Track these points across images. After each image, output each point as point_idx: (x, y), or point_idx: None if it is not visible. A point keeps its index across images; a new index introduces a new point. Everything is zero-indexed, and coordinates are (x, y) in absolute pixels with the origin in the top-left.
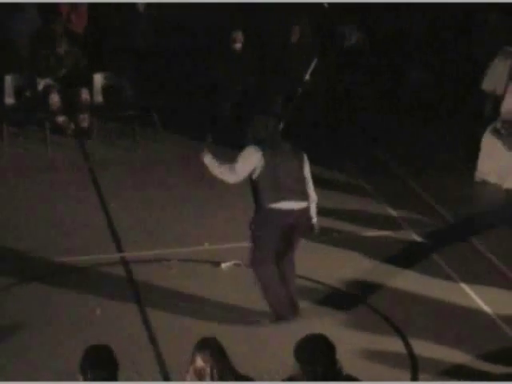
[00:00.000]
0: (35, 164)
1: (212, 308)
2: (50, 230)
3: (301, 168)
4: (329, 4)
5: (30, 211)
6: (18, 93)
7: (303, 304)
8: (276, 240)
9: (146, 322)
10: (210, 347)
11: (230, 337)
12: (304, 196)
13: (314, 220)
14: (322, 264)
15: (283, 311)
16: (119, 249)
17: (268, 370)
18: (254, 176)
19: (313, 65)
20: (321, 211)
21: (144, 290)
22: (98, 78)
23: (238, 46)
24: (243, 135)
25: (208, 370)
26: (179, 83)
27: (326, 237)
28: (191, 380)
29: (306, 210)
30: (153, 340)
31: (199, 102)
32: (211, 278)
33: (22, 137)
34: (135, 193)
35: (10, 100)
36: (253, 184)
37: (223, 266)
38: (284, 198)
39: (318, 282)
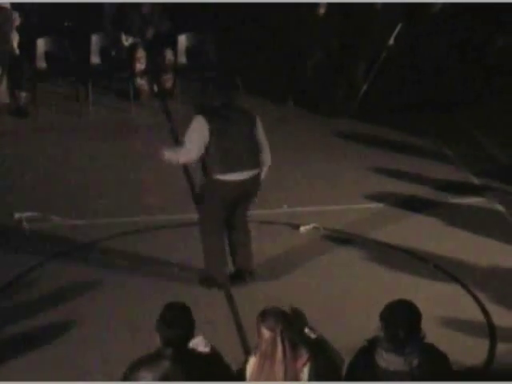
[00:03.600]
0: (119, 123)
1: (289, 270)
2: (130, 189)
3: (252, 133)
4: None
5: (112, 169)
6: (104, 52)
7: (383, 272)
8: (220, 211)
9: None
10: (272, 315)
11: (306, 297)
12: (254, 163)
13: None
14: (403, 231)
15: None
16: None
17: (346, 331)
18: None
19: (397, 29)
20: (403, 178)
21: None
22: (183, 40)
23: (322, 10)
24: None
25: (278, 337)
26: (262, 46)
27: (408, 204)
28: (262, 356)
29: (257, 177)
30: (229, 298)
31: (282, 66)
32: (289, 241)
33: (107, 96)
34: None
35: (95, 59)
36: (202, 154)
37: (302, 228)
38: (232, 169)
39: (400, 250)
